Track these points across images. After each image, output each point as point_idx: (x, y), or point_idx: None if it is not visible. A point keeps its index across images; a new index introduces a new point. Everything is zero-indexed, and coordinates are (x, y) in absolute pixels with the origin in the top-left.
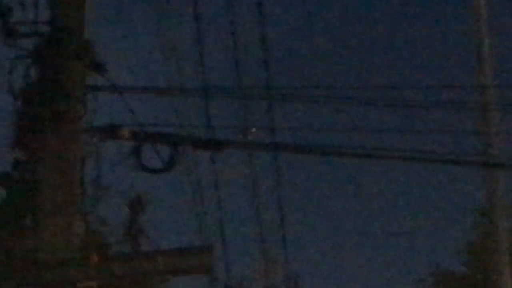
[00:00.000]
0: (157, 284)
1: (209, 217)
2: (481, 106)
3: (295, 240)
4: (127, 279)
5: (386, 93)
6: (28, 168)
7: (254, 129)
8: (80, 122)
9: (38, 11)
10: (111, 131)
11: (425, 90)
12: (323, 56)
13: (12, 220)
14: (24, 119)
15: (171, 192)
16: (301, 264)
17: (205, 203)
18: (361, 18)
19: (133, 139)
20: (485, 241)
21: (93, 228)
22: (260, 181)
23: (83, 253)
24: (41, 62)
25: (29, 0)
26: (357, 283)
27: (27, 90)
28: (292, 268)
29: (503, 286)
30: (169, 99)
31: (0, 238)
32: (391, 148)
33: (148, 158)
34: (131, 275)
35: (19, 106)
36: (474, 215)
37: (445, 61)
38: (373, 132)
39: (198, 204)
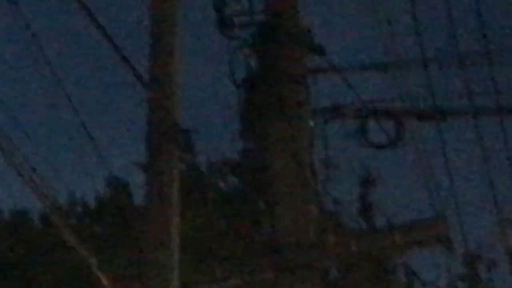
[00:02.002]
0: (394, 258)
1: (439, 187)
2: None
3: None
4: (365, 256)
5: None
6: (257, 156)
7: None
8: (305, 106)
9: (252, 1)
10: (335, 111)
11: None
12: None
13: (246, 208)
14: (248, 108)
15: (399, 166)
16: None
17: (434, 173)
18: None
19: (357, 117)
20: None
21: (328, 208)
22: (489, 146)
23: (320, 235)
24: (261, 50)
25: None
26: None
27: (248, 79)
28: None
29: None
30: (389, 74)
31: (237, 226)
32: None
33: (373, 134)
34: (368, 252)
35: (242, 95)
36: None
37: None
38: None
39: (427, 176)
